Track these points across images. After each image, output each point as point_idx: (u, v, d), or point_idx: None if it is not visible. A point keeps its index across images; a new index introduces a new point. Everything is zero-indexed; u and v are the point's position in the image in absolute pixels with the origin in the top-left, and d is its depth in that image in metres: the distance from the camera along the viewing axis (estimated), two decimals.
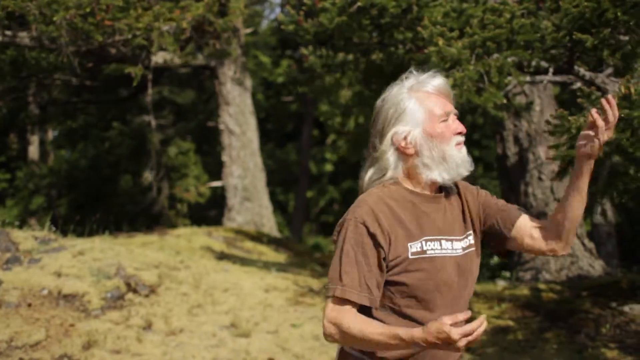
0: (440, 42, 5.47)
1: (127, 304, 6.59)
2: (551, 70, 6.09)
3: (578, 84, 6.17)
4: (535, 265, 9.39)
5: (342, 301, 2.32)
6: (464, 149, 2.43)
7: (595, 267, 9.22)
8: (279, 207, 23.03)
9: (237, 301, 6.94)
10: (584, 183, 2.41)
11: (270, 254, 10.69)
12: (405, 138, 2.42)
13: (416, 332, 2.17)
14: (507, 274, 9.82)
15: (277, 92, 23.89)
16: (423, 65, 6.54)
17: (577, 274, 9.06)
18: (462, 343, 2.11)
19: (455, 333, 2.09)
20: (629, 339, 6.39)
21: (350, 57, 7.48)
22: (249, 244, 11.03)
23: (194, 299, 6.89)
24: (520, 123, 9.78)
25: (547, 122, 5.63)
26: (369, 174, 2.49)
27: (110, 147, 19.25)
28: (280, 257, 10.64)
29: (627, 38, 5.37)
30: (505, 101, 6.48)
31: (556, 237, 2.47)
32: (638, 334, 6.49)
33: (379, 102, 2.53)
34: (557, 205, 2.49)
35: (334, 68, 7.63)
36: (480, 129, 20.41)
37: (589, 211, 13.50)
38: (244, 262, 8.84)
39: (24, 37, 9.05)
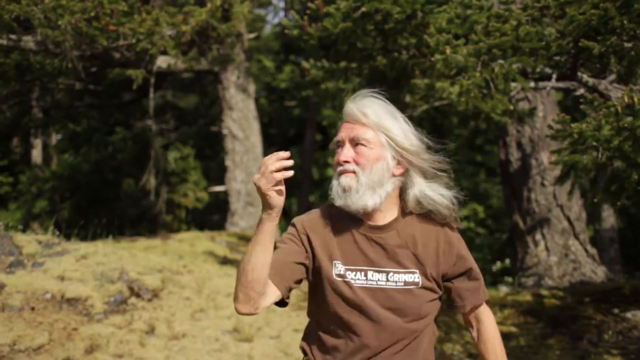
0: (448, 50, 5.47)
1: (130, 308, 6.60)
2: (554, 76, 6.09)
3: (581, 91, 6.17)
4: (537, 271, 9.39)
5: None
6: (343, 179, 2.40)
7: (597, 273, 9.21)
8: (281, 211, 22.97)
9: None
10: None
11: None
12: None
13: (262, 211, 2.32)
14: (510, 279, 9.81)
15: (280, 97, 23.90)
16: (427, 71, 6.57)
17: (579, 280, 9.05)
18: (262, 182, 2.24)
19: (258, 179, 2.24)
20: (632, 345, 6.38)
21: (354, 64, 7.49)
22: None
23: (197, 303, 6.89)
24: (523, 129, 9.79)
25: (550, 127, 5.65)
26: None
27: (114, 151, 19.28)
28: None
29: (630, 45, 5.38)
30: (512, 107, 6.49)
31: None
32: None
33: None
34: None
35: (337, 74, 7.64)
36: (483, 134, 20.41)
37: (591, 217, 13.50)
38: None
39: (28, 41, 9.07)
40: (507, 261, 13.31)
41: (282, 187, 2.27)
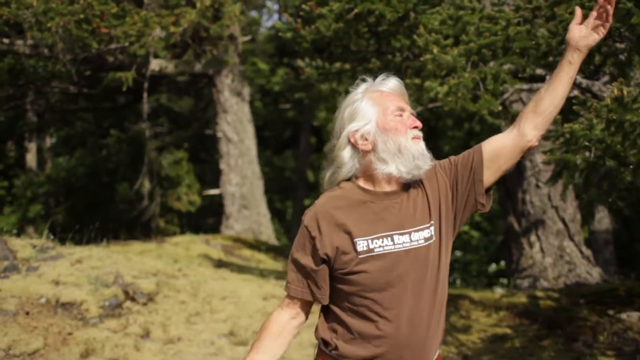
0: (435, 50, 5.48)
1: (125, 312, 6.58)
2: (547, 77, 6.10)
3: (575, 92, 6.18)
4: (532, 272, 9.40)
5: (290, 297, 2.54)
6: (421, 143, 2.48)
7: (592, 274, 9.22)
8: (276, 214, 23.00)
9: (235, 309, 6.94)
10: (575, 72, 2.51)
11: (268, 262, 10.68)
12: (360, 134, 2.49)
13: None
14: (505, 281, 9.82)
15: (274, 100, 23.91)
16: (419, 73, 6.58)
17: (574, 282, 9.06)
18: None
19: None
20: (627, 347, 6.39)
21: (347, 66, 7.49)
22: (247, 252, 11.03)
23: (192, 307, 6.88)
24: None
25: None
26: (327, 174, 2.59)
27: (108, 155, 19.25)
28: (278, 264, 10.63)
29: (622, 46, 5.39)
30: (500, 108, 6.50)
31: (535, 127, 2.52)
32: (635, 341, 6.49)
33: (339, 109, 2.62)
34: (539, 94, 2.51)
35: (331, 77, 7.64)
36: (478, 136, 20.43)
37: (585, 218, 13.52)
38: (242, 270, 8.84)
39: (21, 44, 9.06)
40: (502, 263, 13.32)
41: None
